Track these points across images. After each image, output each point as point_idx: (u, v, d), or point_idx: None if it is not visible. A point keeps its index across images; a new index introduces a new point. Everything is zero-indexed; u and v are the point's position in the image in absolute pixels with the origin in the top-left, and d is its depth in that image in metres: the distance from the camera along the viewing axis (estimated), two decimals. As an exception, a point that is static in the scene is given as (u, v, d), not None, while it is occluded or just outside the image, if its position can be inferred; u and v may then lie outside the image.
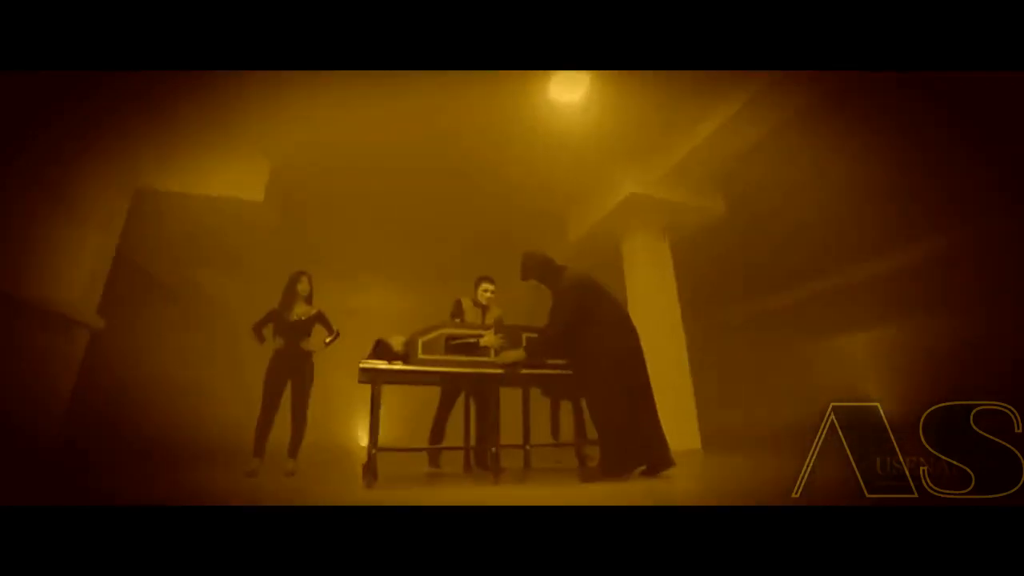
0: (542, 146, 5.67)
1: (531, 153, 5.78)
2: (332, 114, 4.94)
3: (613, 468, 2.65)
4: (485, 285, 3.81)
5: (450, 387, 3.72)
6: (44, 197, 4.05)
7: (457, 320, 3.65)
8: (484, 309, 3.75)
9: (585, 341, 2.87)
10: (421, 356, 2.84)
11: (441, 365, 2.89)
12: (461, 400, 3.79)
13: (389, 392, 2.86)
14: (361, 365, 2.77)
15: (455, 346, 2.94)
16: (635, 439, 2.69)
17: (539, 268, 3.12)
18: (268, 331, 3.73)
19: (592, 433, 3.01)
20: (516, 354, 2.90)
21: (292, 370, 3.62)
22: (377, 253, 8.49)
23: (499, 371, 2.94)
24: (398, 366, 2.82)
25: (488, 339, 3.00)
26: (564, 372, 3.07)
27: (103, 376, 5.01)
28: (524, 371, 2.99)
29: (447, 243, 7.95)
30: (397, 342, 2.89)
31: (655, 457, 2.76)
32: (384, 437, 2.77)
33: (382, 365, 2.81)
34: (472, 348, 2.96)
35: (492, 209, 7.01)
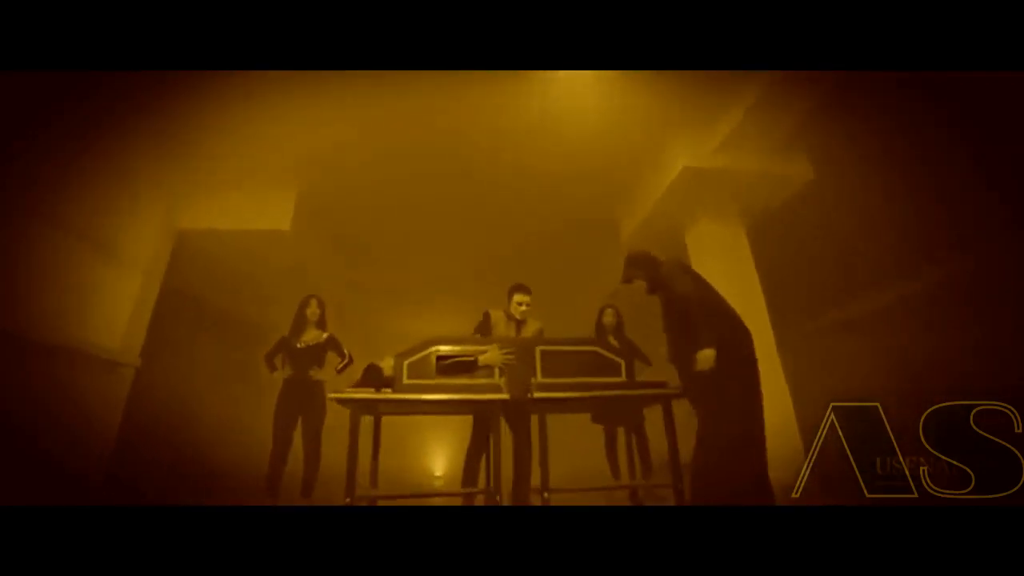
0: (575, 138, 5.14)
1: (564, 148, 5.29)
2: (350, 117, 4.77)
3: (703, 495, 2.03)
4: (519, 296, 3.24)
5: (482, 416, 3.09)
6: (87, 242, 4.14)
7: (478, 336, 3.16)
8: (519, 323, 3.25)
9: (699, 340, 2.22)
10: (406, 382, 2.44)
11: (431, 391, 2.44)
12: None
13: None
14: (329, 396, 2.46)
15: (448, 367, 2.50)
16: (738, 473, 1.97)
17: (646, 264, 2.56)
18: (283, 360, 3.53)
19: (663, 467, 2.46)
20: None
21: (302, 401, 3.39)
22: (419, 272, 8.04)
23: (503, 396, 2.46)
24: (380, 395, 2.39)
25: (491, 356, 2.55)
26: (624, 392, 2.53)
27: (148, 413, 5.05)
28: (563, 395, 2.47)
29: (487, 254, 7.46)
30: (388, 365, 2.50)
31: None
32: (446, 467, 2.50)
33: (360, 394, 2.38)
34: (470, 368, 2.52)
35: (530, 213, 6.43)
